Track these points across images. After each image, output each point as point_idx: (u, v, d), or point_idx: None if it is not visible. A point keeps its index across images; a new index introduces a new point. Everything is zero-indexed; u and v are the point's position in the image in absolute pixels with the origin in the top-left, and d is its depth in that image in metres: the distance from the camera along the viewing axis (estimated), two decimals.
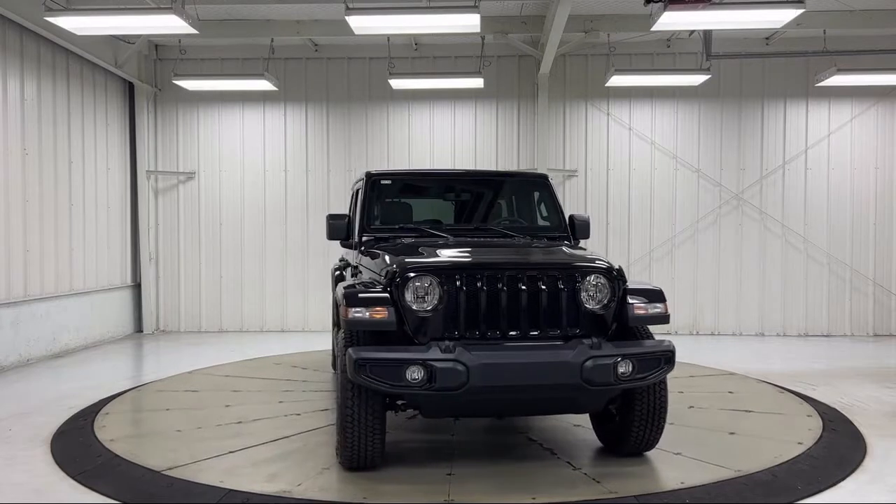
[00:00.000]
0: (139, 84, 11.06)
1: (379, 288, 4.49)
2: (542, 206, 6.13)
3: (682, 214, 11.17)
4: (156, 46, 11.34)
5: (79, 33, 8.32)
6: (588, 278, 4.47)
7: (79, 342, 9.82)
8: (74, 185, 9.84)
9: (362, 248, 5.55)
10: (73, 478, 4.65)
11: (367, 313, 4.28)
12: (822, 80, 10.17)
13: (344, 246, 5.91)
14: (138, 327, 11.38)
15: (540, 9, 9.90)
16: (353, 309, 4.30)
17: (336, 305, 7.17)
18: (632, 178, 11.21)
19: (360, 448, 4.42)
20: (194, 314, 11.56)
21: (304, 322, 11.29)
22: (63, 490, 4.48)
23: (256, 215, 11.43)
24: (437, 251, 4.84)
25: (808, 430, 5.61)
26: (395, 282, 4.35)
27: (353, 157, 11.32)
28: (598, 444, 5.21)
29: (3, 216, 8.40)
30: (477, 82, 10.21)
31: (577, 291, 4.43)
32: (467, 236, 5.55)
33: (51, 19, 7.74)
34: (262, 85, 10.44)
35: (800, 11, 7.37)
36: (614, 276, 4.51)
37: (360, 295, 4.41)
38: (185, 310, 11.56)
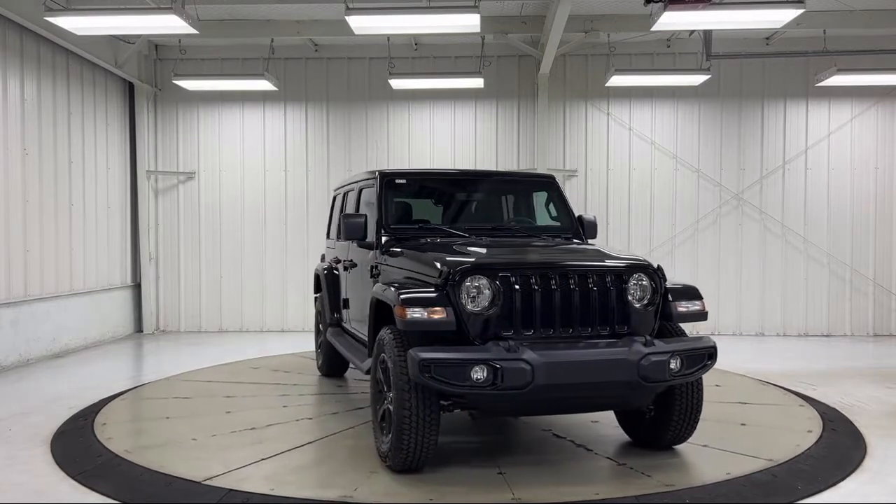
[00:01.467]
0: (139, 84, 11.06)
1: (431, 288, 4.45)
2: (553, 207, 6.26)
3: (682, 214, 11.17)
4: (156, 46, 11.34)
5: (79, 33, 8.33)
6: (634, 277, 4.58)
7: (79, 342, 9.82)
8: (74, 185, 9.84)
9: (385, 248, 5.46)
10: (73, 478, 4.65)
11: (426, 314, 4.27)
12: (822, 80, 10.17)
13: (361, 246, 5.81)
14: (138, 327, 11.38)
15: (540, 9, 9.90)
16: (412, 309, 4.27)
17: (324, 309, 7.20)
18: (632, 178, 11.21)
19: (416, 449, 4.40)
20: (194, 314, 11.56)
21: (304, 322, 11.28)
22: (63, 490, 4.48)
23: (256, 215, 11.43)
24: (477, 251, 4.91)
25: (807, 431, 5.61)
26: (451, 282, 4.34)
27: (353, 157, 11.32)
28: (624, 438, 5.30)
29: (3, 216, 8.40)
30: (477, 82, 10.21)
31: (624, 290, 4.54)
32: (487, 236, 5.60)
33: (51, 19, 7.75)
34: (262, 85, 10.44)
35: (800, 11, 7.38)
36: (657, 275, 4.64)
37: (418, 296, 4.37)
38: (185, 310, 11.56)
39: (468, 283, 4.34)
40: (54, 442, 5.42)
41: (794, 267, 11.09)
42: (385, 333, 4.61)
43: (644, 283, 4.59)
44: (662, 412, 4.87)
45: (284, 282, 11.41)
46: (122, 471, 4.74)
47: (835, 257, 11.05)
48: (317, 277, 7.71)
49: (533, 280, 4.41)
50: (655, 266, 4.69)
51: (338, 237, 7.17)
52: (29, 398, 6.90)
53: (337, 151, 11.39)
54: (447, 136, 11.34)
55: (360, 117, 11.37)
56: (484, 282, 4.35)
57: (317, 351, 7.92)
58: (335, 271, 7.25)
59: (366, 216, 5.70)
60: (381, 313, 4.95)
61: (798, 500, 4.28)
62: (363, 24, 7.92)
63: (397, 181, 5.91)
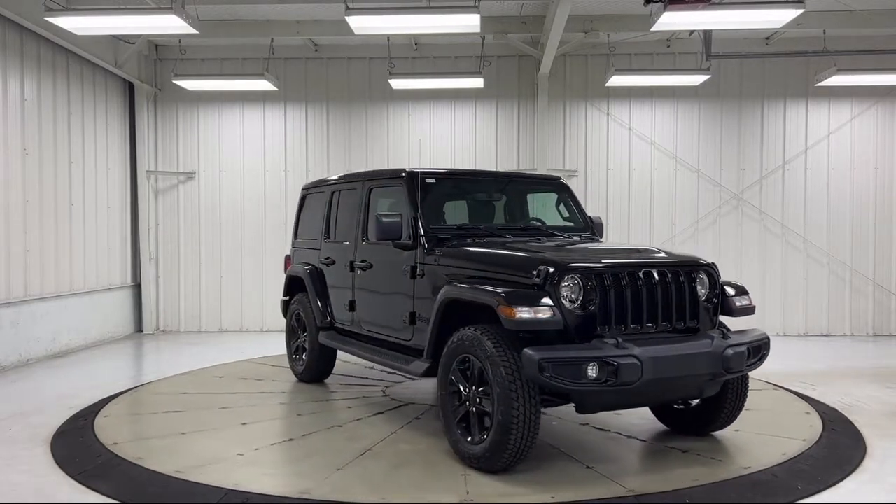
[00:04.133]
0: (139, 84, 11.06)
1: (528, 288, 4.51)
2: (565, 207, 6.46)
3: (681, 214, 11.17)
4: (156, 46, 11.34)
5: (79, 33, 8.33)
6: (700, 274, 4.87)
7: (79, 342, 9.82)
8: (74, 185, 9.84)
9: (431, 248, 5.40)
10: (73, 478, 4.65)
11: (534, 313, 4.32)
12: (822, 80, 10.17)
13: (397, 247, 5.64)
14: (138, 327, 11.38)
15: (540, 9, 9.90)
16: (520, 309, 4.31)
17: (312, 311, 6.85)
18: (632, 178, 11.21)
19: (521, 449, 4.42)
20: (194, 314, 11.56)
21: None
22: (63, 490, 4.49)
23: (256, 215, 11.43)
24: (556, 250, 5.05)
25: (807, 431, 5.61)
26: (551, 281, 4.42)
27: (353, 157, 11.32)
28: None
29: (3, 216, 8.40)
30: (477, 82, 10.21)
31: (694, 287, 4.81)
32: (520, 236, 5.76)
33: (51, 19, 7.75)
34: (262, 85, 10.44)
35: (800, 11, 7.37)
36: (715, 272, 4.95)
37: (525, 295, 4.42)
38: (185, 310, 11.56)
39: (568, 283, 4.44)
40: (54, 442, 5.42)
41: (794, 267, 11.09)
42: (473, 333, 4.57)
43: (707, 280, 4.89)
44: (711, 401, 5.13)
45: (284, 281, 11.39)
46: (122, 471, 4.74)
47: (834, 257, 11.05)
48: (295, 279, 7.44)
49: (624, 279, 4.57)
50: (712, 263, 5.03)
51: (326, 237, 6.99)
52: (29, 398, 6.90)
53: (337, 151, 11.39)
54: (447, 136, 11.34)
55: (360, 117, 11.37)
56: (581, 281, 4.47)
57: (292, 356, 7.54)
58: (321, 272, 7.06)
59: (401, 216, 5.59)
60: (449, 313, 4.97)
61: (798, 500, 4.28)
62: (363, 24, 7.92)
63: (427, 180, 5.85)
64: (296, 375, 7.48)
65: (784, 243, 11.10)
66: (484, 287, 4.63)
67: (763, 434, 5.52)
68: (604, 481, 4.50)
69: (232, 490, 4.33)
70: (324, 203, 7.19)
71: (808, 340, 10.67)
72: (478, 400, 4.61)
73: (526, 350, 4.20)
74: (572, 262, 4.58)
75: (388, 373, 7.69)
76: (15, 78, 8.65)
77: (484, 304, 4.56)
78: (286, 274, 7.75)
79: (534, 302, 4.35)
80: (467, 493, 4.31)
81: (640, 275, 4.62)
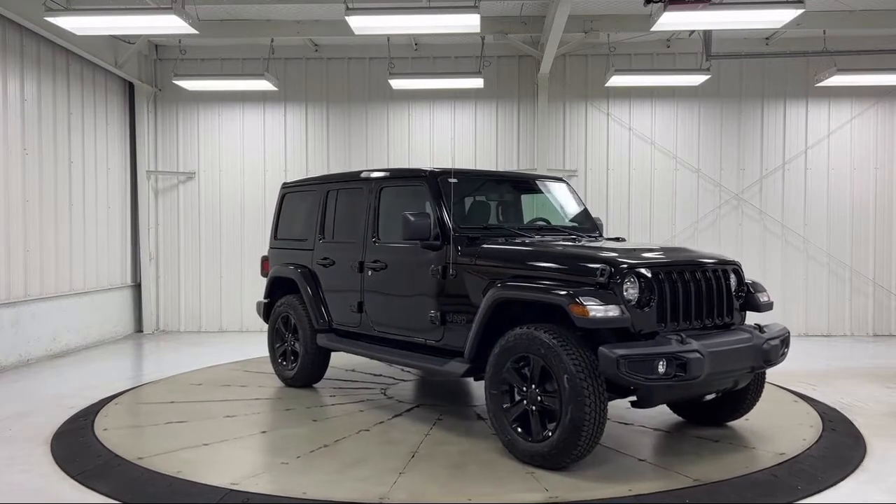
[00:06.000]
0: (139, 84, 11.06)
1: (590, 287, 4.59)
2: (570, 207, 6.61)
3: (681, 214, 11.17)
4: (156, 46, 11.34)
5: (79, 33, 8.33)
6: (732, 271, 5.15)
7: (79, 342, 9.82)
8: (74, 185, 9.84)
9: (465, 249, 5.40)
10: (73, 478, 4.65)
11: (606, 312, 4.43)
12: (822, 80, 10.17)
13: (424, 247, 5.58)
14: (138, 327, 11.38)
15: (540, 9, 9.90)
16: (594, 308, 4.41)
17: (308, 313, 6.68)
18: (631, 178, 11.21)
19: (590, 444, 4.51)
20: (194, 314, 11.56)
21: None
22: (63, 490, 4.49)
23: (256, 215, 11.42)
24: (606, 249, 5.11)
25: (807, 431, 5.61)
26: (615, 280, 4.53)
27: (353, 157, 11.31)
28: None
29: (3, 216, 8.40)
30: (477, 82, 10.20)
31: (729, 284, 5.09)
32: (542, 235, 5.85)
33: (51, 19, 7.75)
34: (262, 85, 10.44)
35: (800, 11, 7.38)
36: (741, 270, 5.25)
37: (596, 294, 4.50)
38: (185, 310, 11.56)
39: (630, 281, 4.57)
40: (54, 442, 5.42)
41: (794, 267, 11.09)
42: (534, 333, 4.62)
43: (737, 277, 5.18)
44: (735, 391, 5.26)
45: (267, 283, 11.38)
46: (122, 471, 4.74)
47: (834, 257, 11.05)
48: (281, 280, 7.22)
49: (675, 276, 4.76)
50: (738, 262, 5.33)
51: (321, 236, 6.83)
52: (29, 398, 6.90)
53: (337, 152, 11.39)
54: (447, 136, 11.34)
55: (360, 117, 11.37)
56: (642, 279, 4.61)
57: (277, 360, 7.29)
58: (314, 273, 6.88)
59: (429, 215, 5.54)
60: (496, 313, 5.01)
61: (798, 500, 4.28)
62: (363, 24, 7.92)
63: (450, 180, 5.83)
64: (283, 381, 7.19)
65: (784, 243, 11.10)
66: (571, 289, 4.60)
67: (763, 434, 5.51)
68: (667, 473, 4.65)
69: (232, 490, 4.32)
70: (316, 202, 7.01)
71: (808, 340, 10.67)
72: (539, 398, 4.65)
73: (602, 348, 4.34)
74: (633, 261, 4.70)
75: (375, 374, 7.62)
76: (15, 78, 8.65)
77: (552, 303, 4.62)
78: (270, 275, 7.45)
79: (604, 301, 4.46)
80: (546, 490, 4.34)
81: (689, 273, 4.83)
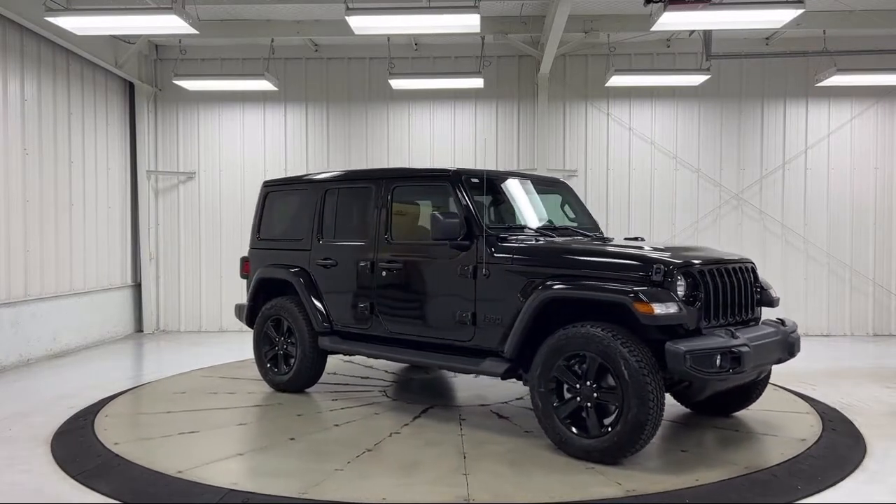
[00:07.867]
0: (139, 84, 11.06)
1: (642, 286, 4.70)
2: (569, 208, 6.69)
3: (681, 214, 11.17)
4: (156, 46, 11.34)
5: (79, 33, 8.33)
6: (752, 269, 5.43)
7: (79, 342, 9.82)
8: (74, 185, 9.84)
9: (499, 248, 5.41)
10: (73, 478, 4.65)
11: (667, 309, 4.58)
12: (822, 80, 10.17)
13: (454, 247, 5.54)
14: (138, 327, 11.38)
15: (540, 9, 9.90)
16: (658, 305, 4.56)
17: (308, 315, 6.47)
18: (631, 178, 11.21)
19: (649, 438, 4.66)
20: (194, 314, 11.56)
21: None
22: (63, 490, 4.49)
23: None
24: (650, 249, 5.26)
25: (807, 431, 5.61)
26: (669, 279, 4.68)
27: (353, 157, 11.32)
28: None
29: (3, 216, 8.40)
30: (477, 82, 10.20)
31: (753, 281, 5.38)
32: (559, 235, 5.90)
33: (51, 19, 7.75)
34: (262, 85, 10.44)
35: (800, 11, 7.38)
36: (755, 268, 5.50)
37: (657, 293, 4.62)
38: (186, 310, 11.56)
39: (682, 279, 4.74)
40: (54, 442, 5.42)
41: (794, 267, 11.09)
42: (590, 331, 4.71)
43: (756, 275, 5.44)
44: (746, 383, 5.44)
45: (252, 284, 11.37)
46: (122, 471, 4.74)
47: (834, 257, 11.05)
48: (271, 281, 7.00)
49: (720, 275, 5.00)
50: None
51: (321, 237, 6.66)
52: (29, 398, 6.90)
53: (337, 151, 11.39)
54: (447, 136, 11.34)
55: (360, 117, 11.37)
56: (691, 278, 4.80)
57: (266, 365, 7.01)
58: (310, 274, 6.68)
59: (458, 215, 5.51)
60: (542, 313, 5.05)
61: (798, 499, 4.28)
62: (363, 24, 7.92)
63: (473, 180, 5.82)
64: (273, 386, 6.91)
65: (784, 243, 11.10)
66: (638, 288, 4.67)
67: (763, 434, 5.52)
68: (716, 463, 4.80)
69: (232, 490, 4.32)
70: (312, 201, 6.80)
71: (808, 340, 10.59)
72: (594, 395, 4.74)
73: (669, 344, 4.52)
74: (682, 260, 4.88)
75: (362, 378, 7.47)
76: (15, 78, 8.65)
77: (613, 302, 4.72)
78: (256, 277, 7.17)
79: (664, 298, 4.60)
80: (619, 483, 4.41)
81: (724, 271, 5.06)
